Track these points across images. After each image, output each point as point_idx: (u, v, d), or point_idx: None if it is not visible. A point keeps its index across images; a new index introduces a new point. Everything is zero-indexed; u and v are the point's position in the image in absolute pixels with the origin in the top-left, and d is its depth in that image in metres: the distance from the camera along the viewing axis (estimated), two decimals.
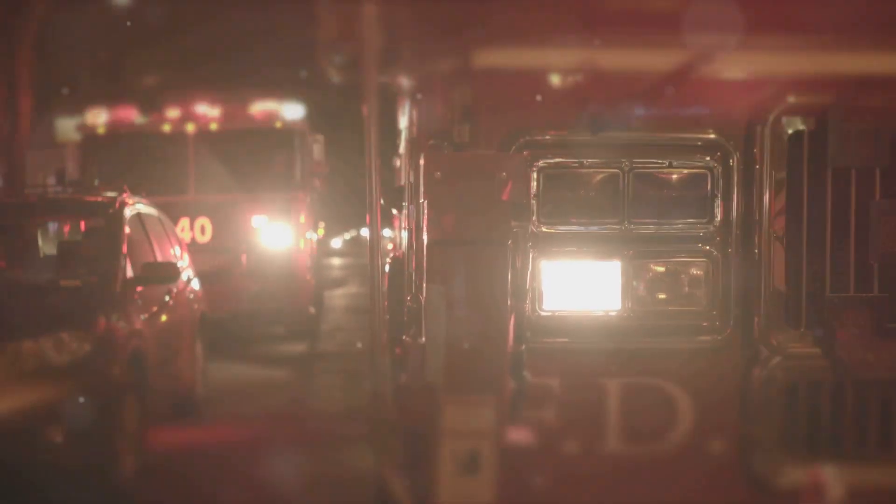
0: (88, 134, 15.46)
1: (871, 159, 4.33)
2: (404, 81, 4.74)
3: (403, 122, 6.27)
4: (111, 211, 8.84)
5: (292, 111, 15.77)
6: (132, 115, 15.38)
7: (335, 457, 8.09)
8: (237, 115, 15.40)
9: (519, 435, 4.30)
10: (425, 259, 4.18)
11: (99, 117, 15.32)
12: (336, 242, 53.35)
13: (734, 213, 4.48)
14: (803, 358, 4.47)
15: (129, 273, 8.30)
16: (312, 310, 16.48)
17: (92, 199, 9.74)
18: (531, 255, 4.45)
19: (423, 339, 4.17)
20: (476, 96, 4.32)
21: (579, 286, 4.52)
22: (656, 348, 4.51)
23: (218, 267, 14.34)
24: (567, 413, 4.46)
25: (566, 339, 4.50)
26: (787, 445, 4.48)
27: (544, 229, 4.48)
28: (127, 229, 8.70)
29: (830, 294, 4.42)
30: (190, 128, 15.28)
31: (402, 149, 6.85)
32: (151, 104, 15.71)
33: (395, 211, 7.35)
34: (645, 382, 4.49)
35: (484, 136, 4.34)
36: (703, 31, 3.95)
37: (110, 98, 16.31)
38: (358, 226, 52.19)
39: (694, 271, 4.52)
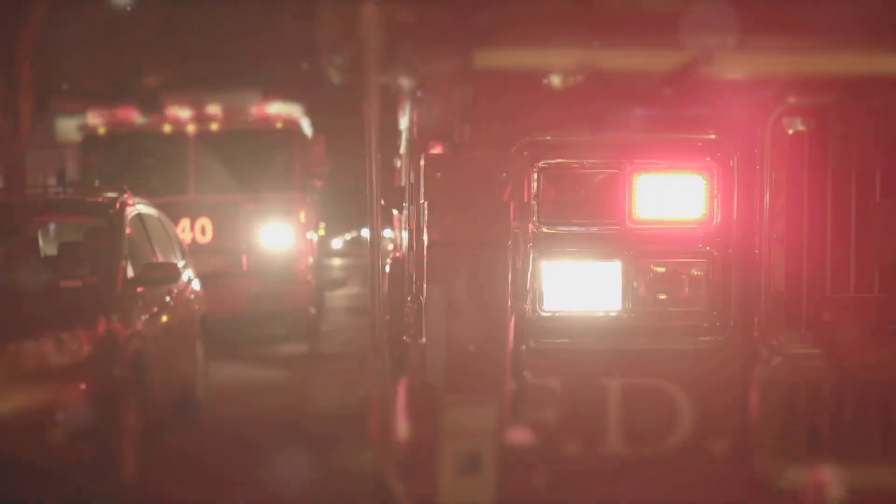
0: (89, 134, 15.45)
1: (871, 159, 4.33)
2: (405, 82, 4.73)
3: (404, 122, 6.26)
4: (112, 211, 8.83)
5: (293, 112, 15.76)
6: (132, 115, 15.37)
7: (335, 457, 8.09)
8: (238, 116, 15.38)
9: (519, 435, 4.30)
10: (426, 259, 4.18)
11: (99, 118, 15.32)
12: (336, 243, 53.37)
13: (734, 214, 4.48)
14: (803, 358, 4.47)
15: (130, 274, 8.29)
16: (313, 310, 16.47)
17: (92, 199, 9.71)
18: (531, 256, 4.45)
19: (424, 339, 4.17)
20: (477, 97, 4.32)
21: (579, 287, 4.52)
22: (656, 349, 4.51)
23: (218, 267, 14.35)
24: (567, 413, 4.46)
25: (566, 340, 4.50)
26: (788, 446, 4.48)
27: (544, 230, 4.48)
28: (128, 230, 8.69)
29: (830, 294, 4.42)
30: (190, 128, 15.27)
31: (402, 149, 6.85)
32: (151, 104, 15.71)
33: (395, 211, 7.35)
34: (645, 383, 4.49)
35: (484, 136, 4.35)
36: (704, 31, 3.95)
37: (110, 98, 16.31)
38: (358, 226, 52.29)
39: (694, 272, 4.52)
